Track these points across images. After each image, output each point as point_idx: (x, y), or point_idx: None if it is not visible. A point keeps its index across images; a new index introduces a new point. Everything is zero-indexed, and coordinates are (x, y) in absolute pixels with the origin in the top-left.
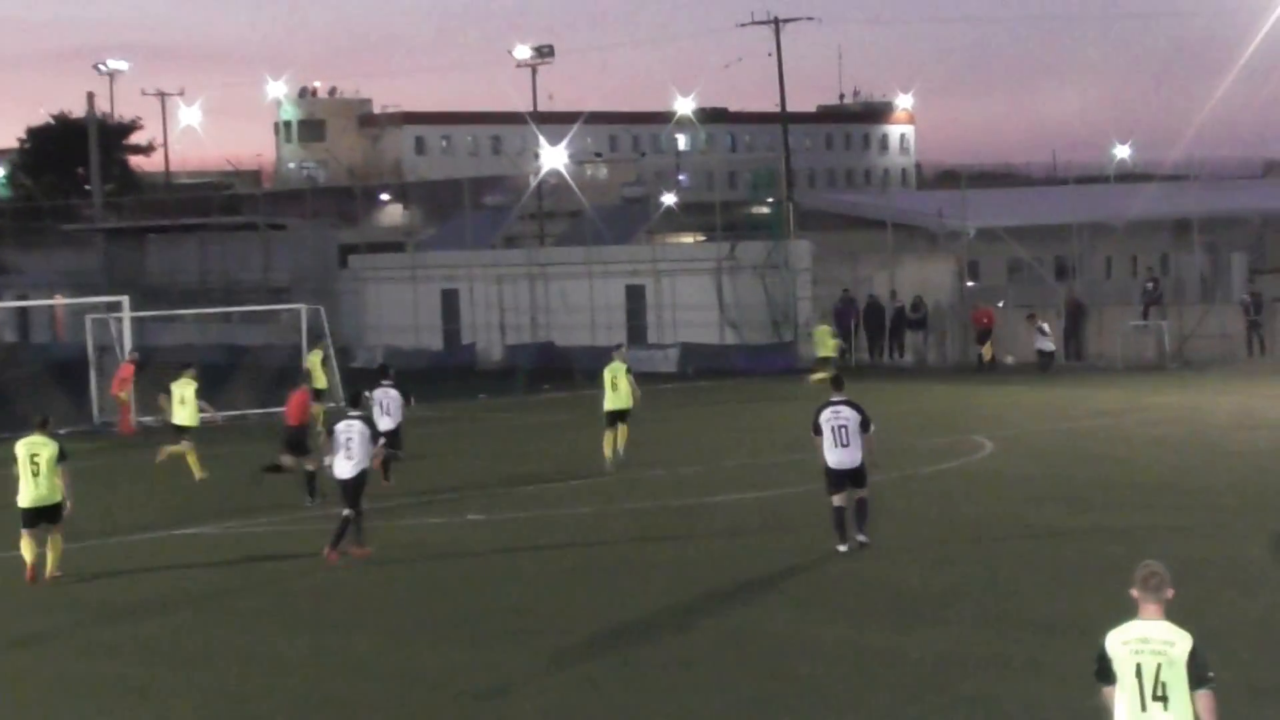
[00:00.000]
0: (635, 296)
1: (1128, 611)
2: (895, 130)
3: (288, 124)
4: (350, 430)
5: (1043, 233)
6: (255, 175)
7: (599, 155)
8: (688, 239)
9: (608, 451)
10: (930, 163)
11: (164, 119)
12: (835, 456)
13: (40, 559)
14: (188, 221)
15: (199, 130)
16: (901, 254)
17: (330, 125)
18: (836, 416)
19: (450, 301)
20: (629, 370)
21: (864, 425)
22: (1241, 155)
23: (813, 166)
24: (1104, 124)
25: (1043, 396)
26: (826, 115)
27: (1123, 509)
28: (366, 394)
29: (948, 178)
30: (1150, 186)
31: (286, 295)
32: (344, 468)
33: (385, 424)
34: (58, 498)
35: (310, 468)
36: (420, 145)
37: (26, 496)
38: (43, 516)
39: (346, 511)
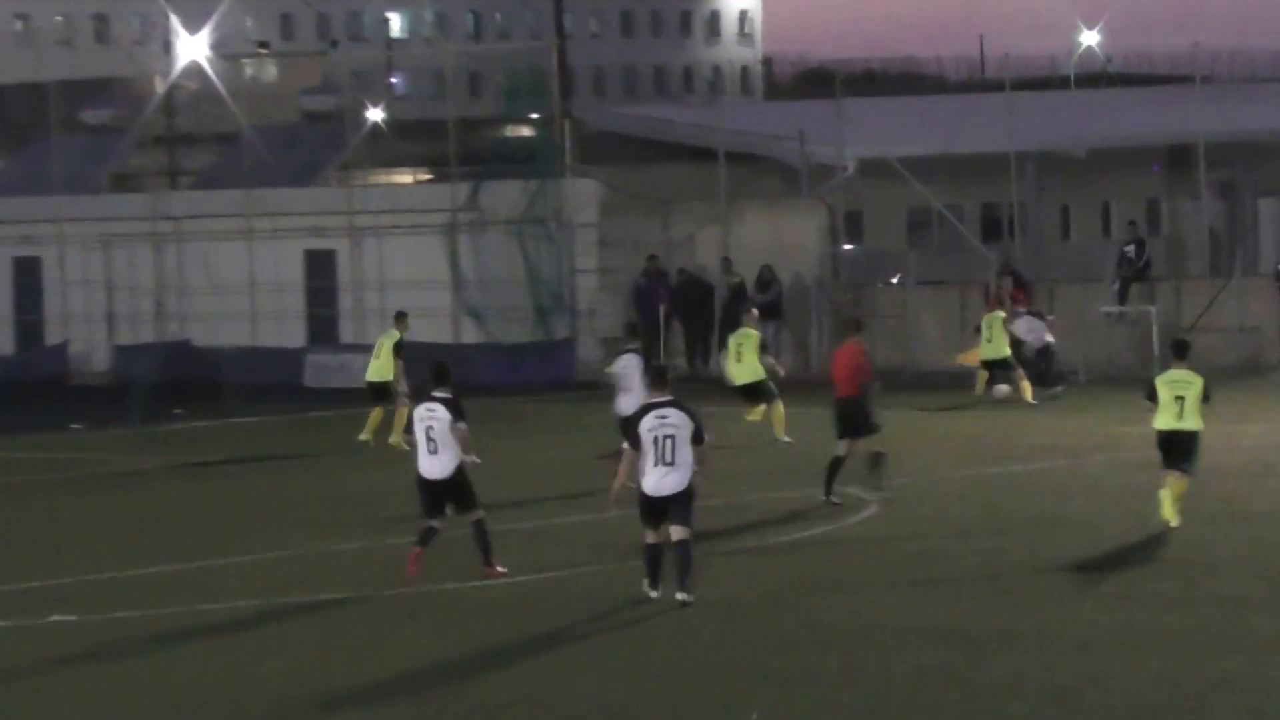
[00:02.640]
0: (321, 268)
1: None
2: (731, 6)
3: None
4: (432, 416)
5: (963, 166)
6: None
7: (265, 46)
8: (405, 178)
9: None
10: (787, 58)
11: None
12: (654, 480)
13: None
14: None
15: None
16: (742, 201)
17: None
18: (663, 424)
19: (27, 276)
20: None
21: (696, 436)
22: (1272, 47)
23: (600, 63)
24: None
25: (961, 424)
26: None
27: (1078, 609)
28: None
29: (813, 80)
30: (1131, 94)
31: None
32: (429, 465)
33: None
34: None
35: None
36: None
37: None
38: None
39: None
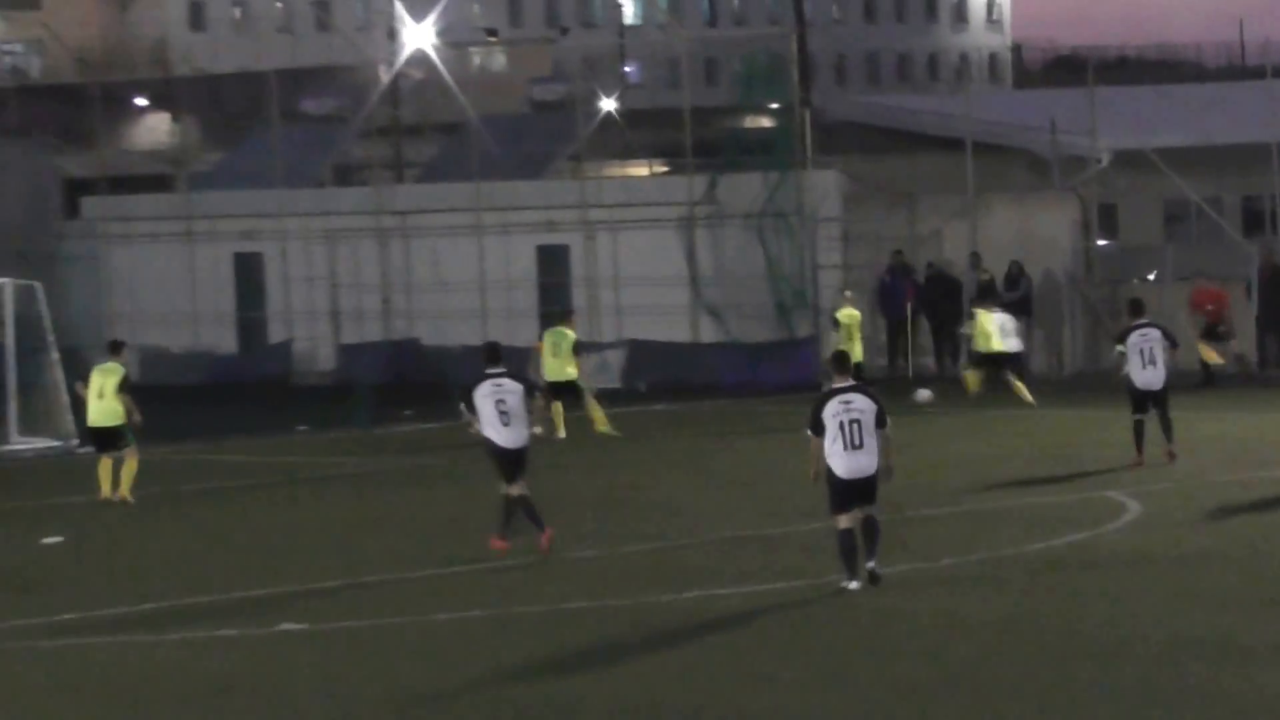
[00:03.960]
0: (553, 264)
1: None
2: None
3: None
4: (501, 391)
5: (1223, 158)
6: None
7: (493, 33)
8: (639, 170)
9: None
10: (1037, 44)
11: None
12: (846, 463)
13: None
14: None
15: None
16: (991, 194)
17: None
18: (847, 409)
19: (249, 273)
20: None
21: (879, 420)
22: None
23: (844, 51)
24: None
25: (1217, 427)
26: None
27: None
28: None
29: (1064, 67)
30: None
31: None
32: (507, 436)
33: None
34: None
35: None
36: (197, 16)
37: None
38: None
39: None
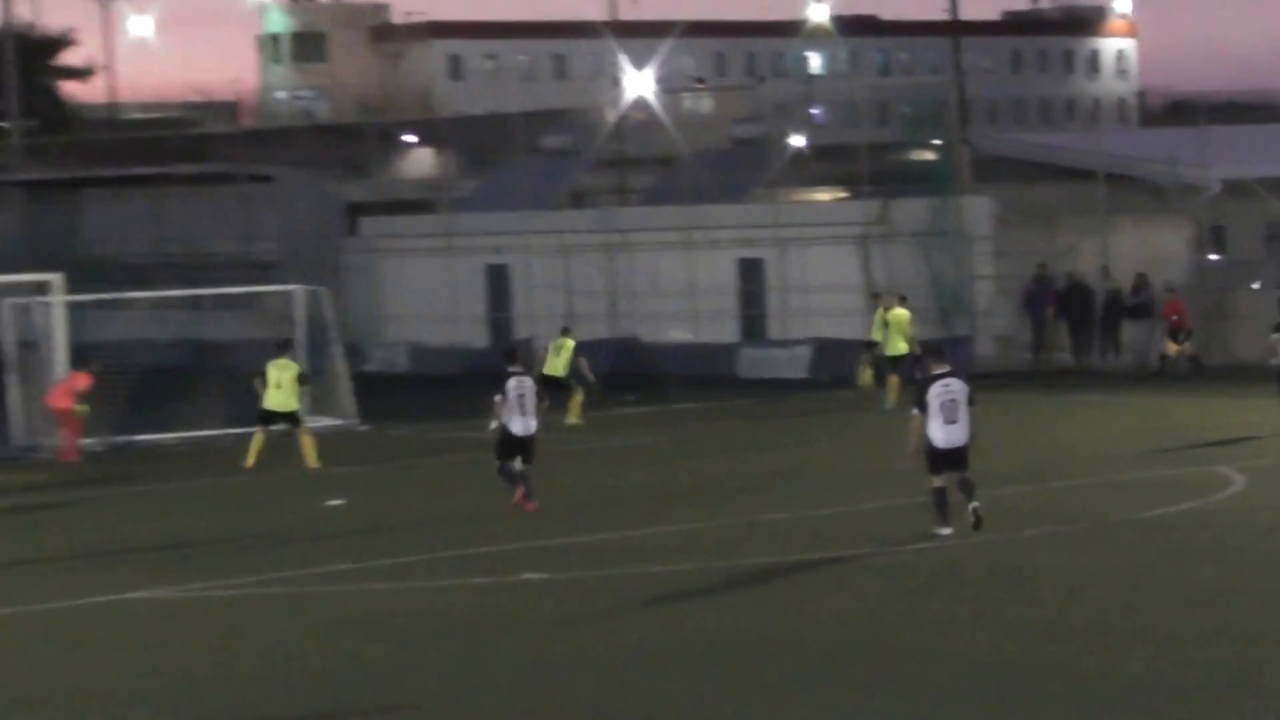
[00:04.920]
0: (752, 274)
1: None
2: (1109, 45)
3: (276, 38)
4: (522, 387)
5: None
6: (231, 108)
7: (701, 81)
8: (824, 196)
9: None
10: (1158, 90)
11: (108, 31)
12: (946, 435)
13: None
14: (140, 171)
15: (155, 46)
16: (1118, 216)
17: (333, 40)
18: (947, 391)
19: (498, 282)
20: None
21: (970, 399)
22: None
23: (995, 96)
24: None
25: None
26: (1015, 25)
27: None
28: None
29: (1181, 110)
30: None
31: (274, 272)
32: (521, 424)
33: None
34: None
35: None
36: (455, 67)
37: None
38: None
39: (521, 467)
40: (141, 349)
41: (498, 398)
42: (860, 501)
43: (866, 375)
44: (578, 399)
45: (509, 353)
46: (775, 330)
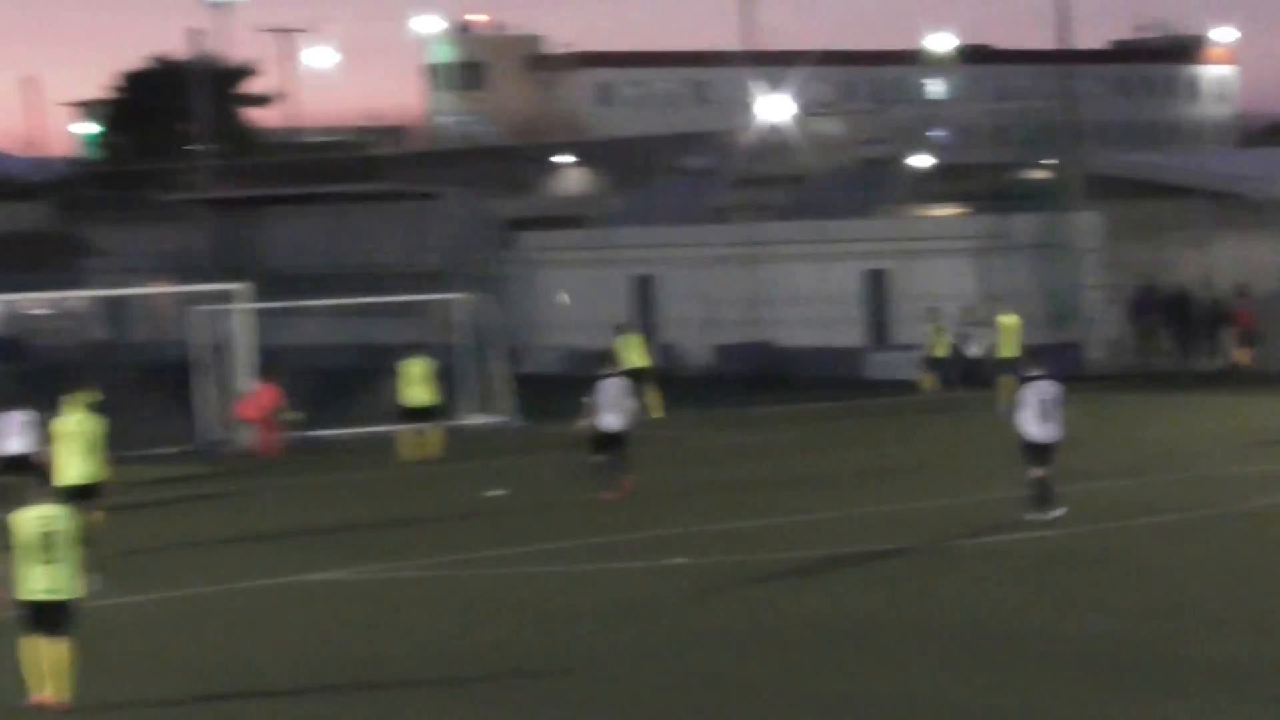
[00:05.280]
0: (877, 284)
1: None
2: (1210, 72)
3: (440, 68)
4: (614, 387)
5: None
6: (400, 132)
7: (830, 106)
8: (943, 211)
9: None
10: (1256, 113)
11: (287, 62)
12: (1042, 431)
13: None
14: (316, 190)
15: (331, 76)
16: (1219, 230)
17: (493, 69)
18: (1043, 392)
19: (644, 291)
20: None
21: (1060, 400)
22: None
23: (1103, 119)
24: None
25: None
26: (1121, 54)
27: None
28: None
29: (1278, 132)
30: None
31: (438, 282)
32: (613, 420)
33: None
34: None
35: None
36: (605, 93)
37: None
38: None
39: (611, 459)
40: (318, 352)
41: (587, 399)
42: (973, 494)
43: (928, 381)
44: (655, 394)
45: (608, 358)
46: (898, 335)
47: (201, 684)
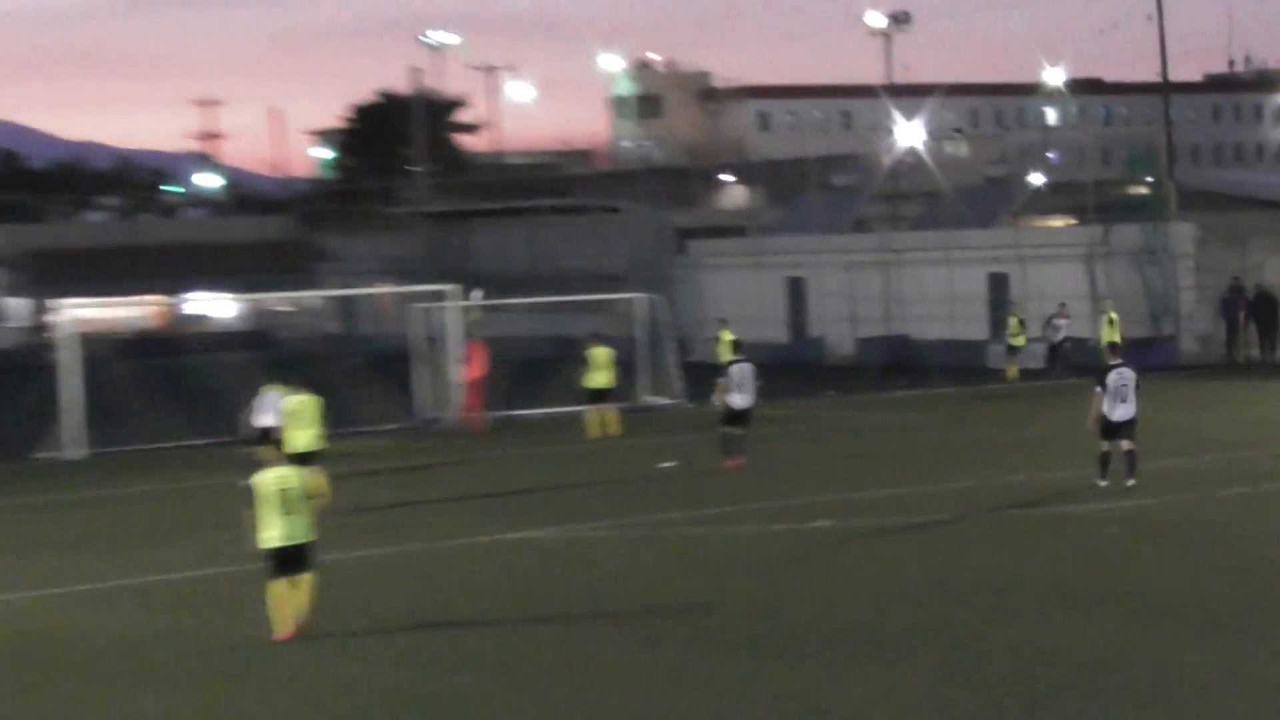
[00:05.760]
0: (999, 285)
1: None
2: None
3: (623, 100)
4: (744, 372)
5: None
6: (587, 155)
7: (959, 131)
8: (1057, 222)
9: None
10: None
11: (492, 95)
12: (1119, 411)
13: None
14: (516, 204)
15: (529, 107)
16: None
17: (668, 101)
18: (1121, 378)
19: (796, 290)
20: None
21: (1138, 385)
22: None
23: (1197, 141)
24: None
25: None
26: (1214, 85)
27: None
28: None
29: None
30: None
31: (621, 283)
32: (740, 400)
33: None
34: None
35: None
36: (764, 121)
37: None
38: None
39: (740, 432)
40: (517, 344)
41: (721, 380)
42: (1076, 467)
43: (1012, 370)
44: (614, 415)
45: (739, 347)
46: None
47: (415, 618)
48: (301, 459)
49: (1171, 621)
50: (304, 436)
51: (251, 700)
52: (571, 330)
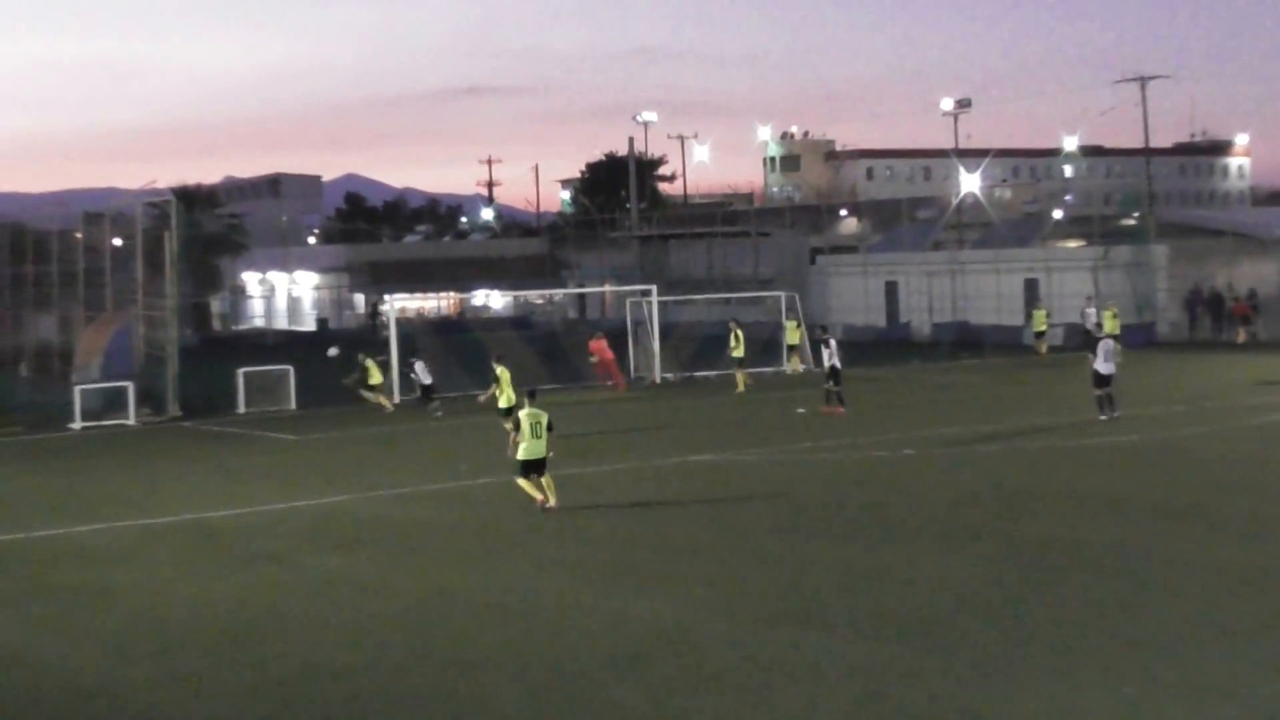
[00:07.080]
0: (1031, 287)
1: None
2: (1235, 161)
3: (772, 159)
4: (830, 350)
5: None
6: (749, 196)
7: (1005, 181)
8: (1072, 244)
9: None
10: (1263, 186)
11: (682, 156)
12: (1105, 368)
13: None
14: (698, 230)
15: (708, 163)
16: (1238, 256)
17: (803, 159)
18: (1105, 346)
19: (891, 290)
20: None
21: (1118, 352)
22: None
23: (1169, 189)
24: None
25: None
26: (1180, 150)
27: None
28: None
29: (1276, 196)
30: None
31: (771, 284)
32: (836, 363)
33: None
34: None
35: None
36: (870, 174)
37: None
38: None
39: (837, 388)
40: (699, 326)
41: (826, 350)
42: (1085, 414)
43: (1042, 347)
44: (742, 375)
45: (825, 330)
46: (1040, 319)
47: (621, 516)
48: (505, 412)
49: (1153, 518)
50: (504, 398)
51: (524, 563)
52: (737, 318)
